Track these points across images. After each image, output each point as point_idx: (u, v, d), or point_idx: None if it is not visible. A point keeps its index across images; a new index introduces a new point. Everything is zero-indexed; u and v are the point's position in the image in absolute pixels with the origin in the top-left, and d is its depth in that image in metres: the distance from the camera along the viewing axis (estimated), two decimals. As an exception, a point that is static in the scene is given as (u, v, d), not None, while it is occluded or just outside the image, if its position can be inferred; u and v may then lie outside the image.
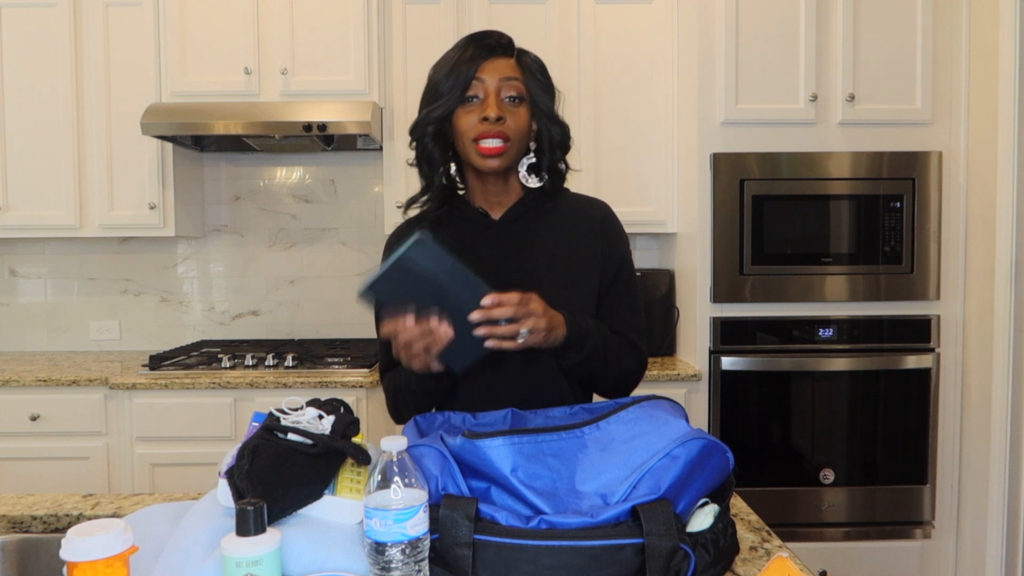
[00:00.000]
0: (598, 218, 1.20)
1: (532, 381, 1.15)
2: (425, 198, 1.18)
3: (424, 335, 0.95)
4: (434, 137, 1.12)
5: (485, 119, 1.07)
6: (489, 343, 0.95)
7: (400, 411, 1.18)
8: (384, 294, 0.95)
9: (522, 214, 1.18)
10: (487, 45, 1.10)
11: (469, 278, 0.94)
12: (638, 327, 1.19)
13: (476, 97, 1.09)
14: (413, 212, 1.21)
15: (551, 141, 1.15)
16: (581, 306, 1.12)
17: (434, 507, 0.80)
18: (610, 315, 1.16)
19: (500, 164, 1.11)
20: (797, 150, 2.31)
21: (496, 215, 1.19)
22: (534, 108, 1.13)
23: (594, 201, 1.23)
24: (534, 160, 1.17)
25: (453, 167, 1.17)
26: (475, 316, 0.94)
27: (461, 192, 1.20)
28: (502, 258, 1.15)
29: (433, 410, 1.20)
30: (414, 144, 1.15)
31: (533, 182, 1.17)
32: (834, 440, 2.34)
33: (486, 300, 0.93)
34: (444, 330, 0.94)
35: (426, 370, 0.99)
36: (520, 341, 0.96)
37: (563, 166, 1.19)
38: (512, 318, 0.94)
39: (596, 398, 1.26)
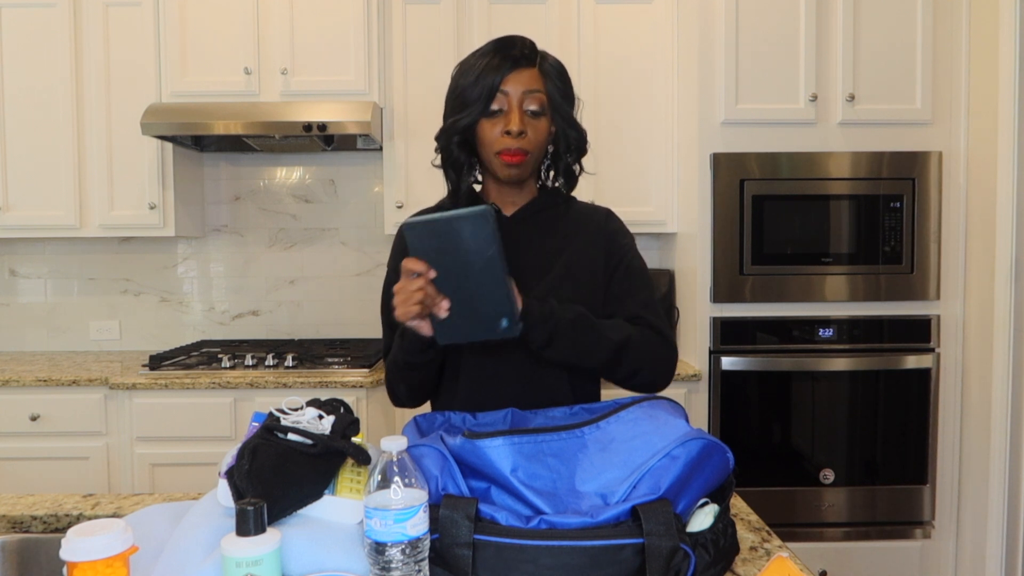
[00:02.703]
0: (602, 217, 1.26)
1: (533, 377, 1.17)
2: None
3: (427, 295, 0.96)
4: (459, 145, 1.17)
5: (508, 132, 1.11)
6: None
7: (393, 387, 1.21)
8: (420, 240, 0.96)
9: (533, 213, 1.23)
10: (512, 56, 1.13)
11: (498, 272, 0.95)
12: (649, 303, 1.19)
13: (500, 110, 1.13)
14: None
15: (568, 144, 1.21)
16: (585, 300, 1.14)
17: (434, 507, 0.80)
18: (619, 297, 1.18)
19: (519, 174, 1.16)
20: (797, 150, 2.30)
21: (508, 213, 1.23)
22: (553, 113, 1.17)
23: (598, 207, 1.30)
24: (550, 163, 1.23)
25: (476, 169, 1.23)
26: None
27: (478, 188, 1.26)
28: (511, 252, 1.17)
29: (429, 408, 1.21)
30: (439, 148, 1.20)
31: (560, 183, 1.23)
32: (834, 440, 2.34)
33: None
34: (444, 305, 0.96)
35: (407, 320, 0.99)
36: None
37: (577, 168, 1.25)
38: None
39: (603, 394, 1.26)
